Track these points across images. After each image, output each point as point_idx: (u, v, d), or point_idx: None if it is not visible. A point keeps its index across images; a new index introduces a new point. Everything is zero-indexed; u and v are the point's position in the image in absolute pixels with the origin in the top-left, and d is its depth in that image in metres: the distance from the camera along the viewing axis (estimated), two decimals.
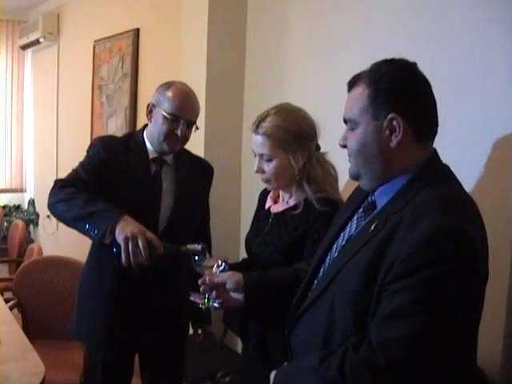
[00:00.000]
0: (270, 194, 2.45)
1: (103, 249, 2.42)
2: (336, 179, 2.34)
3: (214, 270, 2.09)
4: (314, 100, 2.42)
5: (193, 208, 2.77)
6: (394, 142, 1.57)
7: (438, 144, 1.68)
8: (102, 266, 2.67)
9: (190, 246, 2.22)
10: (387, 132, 1.56)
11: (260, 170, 2.31)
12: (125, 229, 2.27)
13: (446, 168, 1.64)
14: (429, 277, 1.39)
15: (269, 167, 2.28)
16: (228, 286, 2.03)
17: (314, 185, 2.26)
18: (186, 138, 2.68)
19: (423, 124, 1.60)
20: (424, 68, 1.65)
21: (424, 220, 1.43)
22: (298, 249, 2.20)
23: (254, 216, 2.56)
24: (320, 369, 1.50)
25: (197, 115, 2.68)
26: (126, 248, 2.25)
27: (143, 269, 2.28)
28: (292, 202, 2.31)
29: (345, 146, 1.67)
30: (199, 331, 3.02)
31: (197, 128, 2.69)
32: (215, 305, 2.07)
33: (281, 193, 2.40)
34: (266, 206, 2.44)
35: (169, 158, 2.72)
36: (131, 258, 2.24)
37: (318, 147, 2.35)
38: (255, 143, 2.30)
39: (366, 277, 1.50)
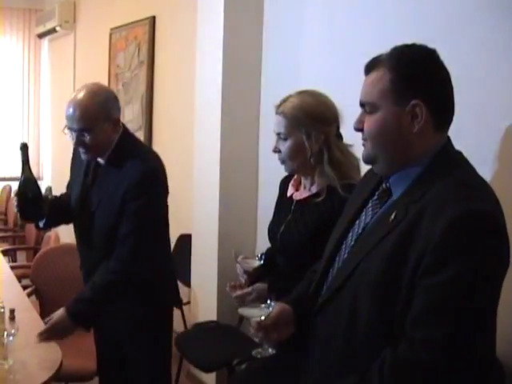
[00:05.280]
0: (292, 181, 2.44)
1: None
2: (358, 169, 2.29)
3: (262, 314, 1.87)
4: (332, 92, 2.39)
5: (105, 212, 2.59)
6: (414, 129, 1.55)
7: (456, 133, 1.66)
8: None
9: None
10: (409, 118, 1.55)
11: (277, 150, 2.33)
12: None
13: (460, 154, 1.63)
14: (461, 269, 1.38)
15: (284, 147, 2.29)
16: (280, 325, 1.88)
17: (337, 169, 2.25)
18: (84, 146, 2.54)
19: (443, 111, 1.59)
20: (443, 53, 1.62)
21: (448, 207, 1.42)
22: (323, 236, 2.14)
23: (276, 204, 2.54)
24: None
25: (78, 122, 2.50)
26: None
27: None
28: (315, 190, 2.30)
29: (359, 130, 1.65)
30: None
31: (92, 133, 2.50)
32: (270, 351, 1.93)
33: (302, 180, 2.38)
34: (288, 194, 2.43)
35: (103, 161, 2.64)
36: None
37: (339, 136, 2.33)
38: (275, 123, 2.32)
39: (390, 268, 1.48)
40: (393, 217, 1.55)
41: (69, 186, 2.88)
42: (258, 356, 1.93)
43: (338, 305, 1.63)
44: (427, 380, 1.41)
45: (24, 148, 2.56)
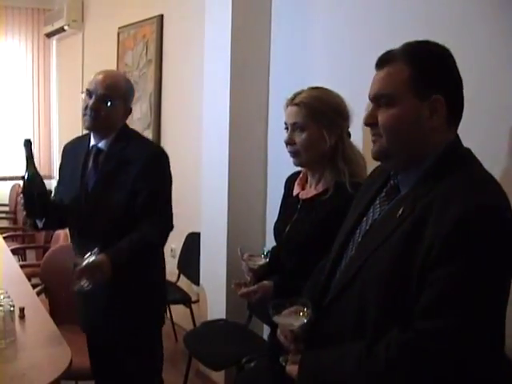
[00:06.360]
0: (297, 180, 2.42)
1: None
2: (365, 169, 2.28)
3: (299, 324, 1.74)
4: (340, 90, 2.38)
5: (115, 195, 2.64)
6: (432, 124, 1.55)
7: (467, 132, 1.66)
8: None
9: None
10: (427, 113, 1.54)
11: (291, 141, 2.27)
12: None
13: (468, 151, 1.62)
14: (469, 262, 1.38)
15: (300, 138, 2.25)
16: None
17: (348, 166, 2.24)
18: (96, 112, 2.61)
19: (457, 107, 1.59)
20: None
21: (457, 202, 1.42)
22: (330, 234, 2.01)
23: (281, 203, 2.51)
24: (367, 360, 1.48)
25: (105, 88, 2.61)
26: None
27: None
28: (321, 188, 2.27)
29: (371, 124, 1.62)
30: None
31: (111, 104, 2.62)
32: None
33: (309, 178, 2.36)
34: (294, 193, 2.40)
35: (104, 146, 2.69)
36: None
37: (348, 134, 2.32)
38: (289, 114, 2.28)
39: (399, 263, 1.48)
40: (400, 212, 1.54)
41: (57, 190, 2.91)
42: (284, 364, 1.76)
43: (346, 301, 1.62)
44: (433, 368, 1.41)
45: (28, 144, 2.57)
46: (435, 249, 1.41)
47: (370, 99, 1.63)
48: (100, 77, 2.64)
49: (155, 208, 2.64)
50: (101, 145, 2.69)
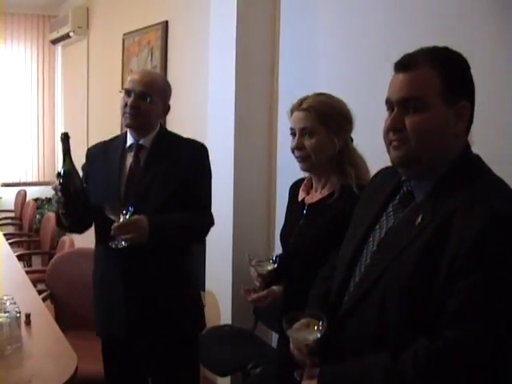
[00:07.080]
0: (302, 186, 2.42)
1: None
2: (369, 172, 2.28)
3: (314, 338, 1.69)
4: (347, 95, 2.38)
5: (160, 188, 2.65)
6: (457, 130, 1.54)
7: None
8: (96, 258, 2.80)
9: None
10: (454, 119, 1.53)
11: (300, 146, 2.25)
12: None
13: (478, 156, 1.60)
14: (496, 270, 1.37)
15: (310, 142, 2.23)
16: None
17: (356, 169, 2.24)
18: (137, 110, 2.63)
19: (473, 114, 1.59)
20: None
21: (479, 209, 1.40)
22: (337, 238, 1.97)
23: (287, 210, 2.51)
24: (394, 370, 1.46)
25: (144, 85, 2.64)
26: None
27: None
28: (326, 192, 2.27)
29: (395, 129, 1.56)
30: None
31: (150, 101, 2.64)
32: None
33: (314, 183, 2.36)
34: (299, 198, 2.39)
35: (146, 143, 2.72)
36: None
37: (351, 138, 2.32)
38: (296, 119, 2.27)
39: (422, 271, 1.46)
40: (419, 220, 1.51)
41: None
42: (299, 379, 1.70)
43: (365, 311, 1.59)
44: (460, 377, 1.40)
45: (65, 138, 2.56)
46: (460, 257, 1.39)
47: (390, 102, 1.59)
48: (137, 76, 2.70)
49: (204, 200, 2.75)
50: (142, 142, 2.71)
